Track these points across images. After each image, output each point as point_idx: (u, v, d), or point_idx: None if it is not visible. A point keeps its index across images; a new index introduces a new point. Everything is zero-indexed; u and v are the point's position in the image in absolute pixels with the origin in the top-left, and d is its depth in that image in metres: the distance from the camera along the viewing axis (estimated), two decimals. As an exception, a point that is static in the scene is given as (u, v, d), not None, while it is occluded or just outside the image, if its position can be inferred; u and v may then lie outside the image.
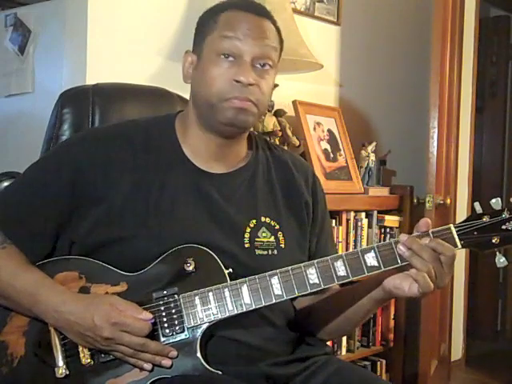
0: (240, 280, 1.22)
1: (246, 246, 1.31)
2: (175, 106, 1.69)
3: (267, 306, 1.23)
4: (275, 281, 1.22)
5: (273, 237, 1.35)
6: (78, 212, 1.29)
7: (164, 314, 1.21)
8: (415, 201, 2.79)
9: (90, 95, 1.61)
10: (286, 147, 2.46)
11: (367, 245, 2.60)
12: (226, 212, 1.32)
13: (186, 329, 1.21)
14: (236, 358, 1.25)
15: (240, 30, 1.28)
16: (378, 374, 2.72)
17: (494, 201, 1.21)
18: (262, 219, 1.35)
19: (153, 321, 1.19)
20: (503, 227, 1.20)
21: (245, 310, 1.21)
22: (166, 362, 1.19)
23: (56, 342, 1.22)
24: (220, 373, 1.20)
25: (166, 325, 1.21)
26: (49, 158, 1.41)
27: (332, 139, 2.66)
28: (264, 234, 1.34)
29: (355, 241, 2.58)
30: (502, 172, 4.56)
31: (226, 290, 1.22)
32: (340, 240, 2.51)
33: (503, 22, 4.53)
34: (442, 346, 3.18)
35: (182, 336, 1.21)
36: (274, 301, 1.22)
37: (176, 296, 1.22)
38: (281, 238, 1.36)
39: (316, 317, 1.42)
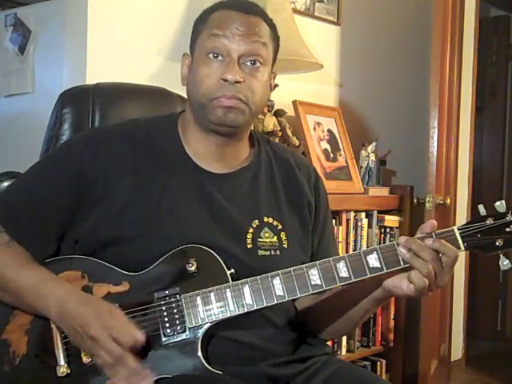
0: (242, 280, 1.22)
1: (249, 246, 1.31)
2: (175, 105, 1.69)
3: (268, 307, 1.23)
4: (277, 281, 1.22)
5: (275, 237, 1.34)
6: (80, 211, 1.29)
7: (166, 313, 1.21)
8: (415, 201, 2.79)
9: (90, 95, 1.61)
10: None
11: (367, 245, 2.61)
12: (228, 212, 1.32)
13: (187, 329, 1.21)
14: (237, 358, 1.25)
15: (228, 29, 1.28)
16: (378, 373, 2.72)
17: (498, 203, 1.20)
18: (265, 219, 1.35)
19: (143, 342, 1.16)
20: (507, 230, 1.19)
21: (246, 310, 1.21)
22: None
23: (58, 340, 1.22)
24: (221, 373, 1.20)
25: (167, 324, 1.21)
26: (51, 157, 1.41)
27: (332, 139, 2.66)
28: (267, 235, 1.34)
29: (355, 241, 2.58)
30: (502, 172, 4.56)
31: (228, 290, 1.22)
32: (340, 240, 2.51)
33: (503, 22, 4.53)
34: (442, 346, 3.18)
35: (184, 336, 1.21)
36: (275, 301, 1.21)
37: (178, 296, 1.22)
38: (283, 238, 1.35)
39: (316, 316, 1.42)
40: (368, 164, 2.75)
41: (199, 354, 1.20)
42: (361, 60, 3.10)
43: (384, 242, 2.67)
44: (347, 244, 2.55)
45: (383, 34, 3.20)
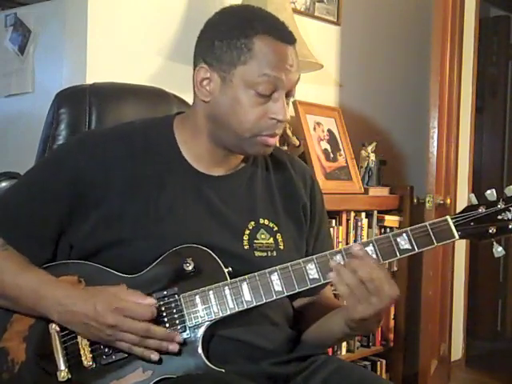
0: (240, 278, 1.22)
1: (246, 247, 1.31)
2: (172, 105, 1.69)
3: (268, 305, 1.23)
4: (275, 277, 1.22)
5: (271, 238, 1.34)
6: (78, 215, 1.28)
7: (165, 314, 1.21)
8: (415, 201, 2.79)
9: (86, 95, 1.60)
10: (285, 147, 2.47)
11: (367, 245, 2.60)
12: (224, 214, 1.32)
13: (187, 328, 1.21)
14: (237, 357, 1.25)
15: (282, 70, 1.24)
16: (378, 373, 2.72)
17: (488, 192, 1.22)
18: (261, 221, 1.35)
19: (157, 305, 1.19)
20: (499, 217, 1.21)
21: (246, 307, 1.21)
22: (173, 348, 1.18)
23: (57, 345, 1.22)
24: (223, 371, 1.20)
25: (167, 325, 1.21)
26: (48, 160, 1.40)
27: (332, 139, 2.66)
28: (263, 236, 1.34)
29: (355, 241, 2.58)
30: (501, 172, 4.56)
31: (227, 288, 1.22)
32: (340, 240, 2.51)
33: (503, 22, 4.53)
34: (442, 345, 3.18)
35: (184, 335, 1.21)
36: (274, 297, 1.22)
37: (176, 296, 1.22)
38: (279, 239, 1.35)
39: (302, 324, 1.42)
40: (368, 164, 2.75)
41: (200, 352, 1.20)
42: (361, 60, 3.10)
43: (384, 242, 2.66)
44: (347, 244, 2.55)
45: (383, 34, 3.20)
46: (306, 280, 1.22)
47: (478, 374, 3.58)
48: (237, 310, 1.21)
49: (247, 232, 1.32)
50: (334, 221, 2.49)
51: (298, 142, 2.51)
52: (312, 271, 1.22)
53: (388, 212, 2.76)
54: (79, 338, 1.22)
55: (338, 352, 2.57)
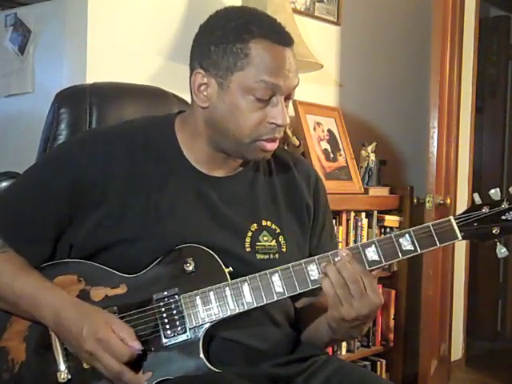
0: (241, 279, 1.22)
1: (248, 250, 1.30)
2: (172, 105, 1.69)
3: (269, 305, 1.23)
4: (276, 278, 1.21)
5: (274, 240, 1.33)
6: (78, 215, 1.27)
7: (165, 315, 1.21)
8: (415, 201, 2.79)
9: (87, 94, 1.60)
10: (286, 147, 2.46)
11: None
12: (226, 216, 1.31)
13: (187, 329, 1.20)
14: (238, 358, 1.24)
15: (280, 76, 1.23)
16: (378, 374, 2.72)
17: (493, 191, 1.21)
18: (263, 223, 1.34)
19: (140, 352, 1.16)
20: (503, 217, 1.20)
21: (246, 308, 1.21)
22: None
23: (57, 345, 1.21)
24: (223, 372, 1.19)
25: (167, 326, 1.21)
26: (48, 160, 1.39)
27: (332, 139, 2.66)
28: (265, 238, 1.33)
29: (355, 241, 2.58)
30: (501, 172, 4.56)
31: (227, 288, 1.21)
32: (340, 240, 2.51)
33: (503, 22, 4.52)
34: (442, 346, 3.17)
35: (184, 337, 1.20)
36: (275, 298, 1.21)
37: (177, 296, 1.21)
38: (282, 241, 1.34)
39: (301, 324, 1.41)
40: (368, 164, 2.75)
41: (201, 354, 1.20)
42: (361, 60, 3.10)
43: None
44: (347, 244, 2.55)
45: (383, 34, 3.20)
46: (307, 281, 1.22)
47: (478, 374, 3.57)
48: (237, 311, 1.21)
49: (249, 234, 1.31)
50: (334, 221, 2.48)
51: (298, 142, 2.51)
52: (313, 272, 1.22)
53: (388, 212, 2.76)
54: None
55: (338, 352, 2.57)
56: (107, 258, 1.26)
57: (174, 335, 1.20)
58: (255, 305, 1.21)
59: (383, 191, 2.78)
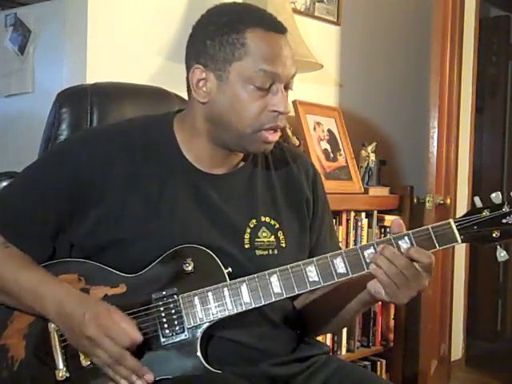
0: (239, 279, 1.22)
1: (247, 246, 1.31)
2: (173, 105, 1.69)
3: (267, 305, 1.23)
4: (274, 279, 1.21)
5: (273, 236, 1.34)
6: (78, 213, 1.28)
7: (164, 314, 1.21)
8: (415, 201, 2.79)
9: (88, 94, 1.60)
10: (285, 147, 2.46)
11: (367, 245, 2.60)
12: (225, 213, 1.31)
13: (186, 329, 1.21)
14: (236, 358, 1.25)
15: (277, 63, 1.24)
16: (378, 373, 2.72)
17: (494, 195, 1.20)
18: (262, 219, 1.34)
19: (140, 341, 1.17)
20: (503, 221, 1.19)
21: (244, 309, 1.21)
22: None
23: (56, 344, 1.22)
24: (220, 372, 1.20)
25: (165, 325, 1.21)
26: (48, 158, 1.40)
27: (332, 139, 2.66)
28: (264, 234, 1.33)
29: (355, 241, 2.58)
30: (501, 172, 4.55)
31: (226, 289, 1.21)
32: (340, 240, 2.50)
33: (503, 22, 4.52)
34: (442, 345, 3.18)
35: (182, 336, 1.21)
36: (273, 299, 1.21)
37: (175, 296, 1.21)
38: (281, 237, 1.35)
39: (308, 314, 1.41)
40: (368, 164, 2.75)
41: (198, 353, 1.20)
42: (361, 60, 3.10)
43: (384, 242, 2.66)
44: (347, 244, 2.55)
45: (383, 33, 3.20)
46: (305, 282, 1.21)
47: (478, 374, 3.57)
48: (235, 311, 1.21)
49: (248, 230, 1.32)
50: (334, 221, 2.48)
51: (298, 142, 2.51)
52: (312, 273, 1.22)
53: (388, 212, 2.76)
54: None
55: (338, 352, 2.57)
56: (107, 258, 1.26)
57: (172, 335, 1.21)
58: (253, 305, 1.21)
59: (383, 191, 2.78)
